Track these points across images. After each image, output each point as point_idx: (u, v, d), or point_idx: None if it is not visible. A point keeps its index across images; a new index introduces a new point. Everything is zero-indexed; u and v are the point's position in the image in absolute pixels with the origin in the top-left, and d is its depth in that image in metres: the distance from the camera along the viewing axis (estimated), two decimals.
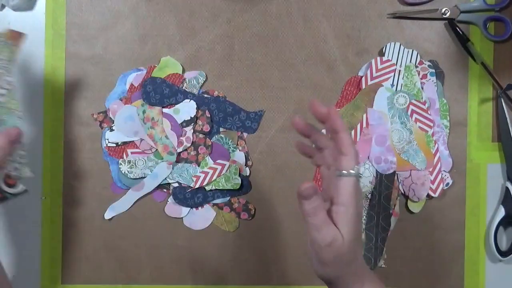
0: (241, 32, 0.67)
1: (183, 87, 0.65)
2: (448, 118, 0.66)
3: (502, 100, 0.66)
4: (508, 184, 0.66)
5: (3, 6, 0.66)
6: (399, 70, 0.66)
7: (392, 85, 0.66)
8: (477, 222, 0.67)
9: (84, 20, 0.66)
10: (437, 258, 0.67)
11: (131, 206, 0.66)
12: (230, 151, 0.65)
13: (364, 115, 0.66)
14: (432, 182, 0.66)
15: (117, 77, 0.66)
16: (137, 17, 0.66)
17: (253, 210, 0.66)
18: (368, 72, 0.66)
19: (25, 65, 0.66)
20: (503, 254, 0.66)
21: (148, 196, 0.66)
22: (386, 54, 0.66)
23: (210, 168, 0.65)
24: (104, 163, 0.66)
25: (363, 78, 0.66)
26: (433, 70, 0.66)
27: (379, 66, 0.66)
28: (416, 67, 0.66)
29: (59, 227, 0.66)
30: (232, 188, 0.65)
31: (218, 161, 0.65)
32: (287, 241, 0.66)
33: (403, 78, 0.66)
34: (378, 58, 0.66)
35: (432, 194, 0.66)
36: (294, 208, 0.66)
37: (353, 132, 0.66)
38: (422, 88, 0.66)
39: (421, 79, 0.66)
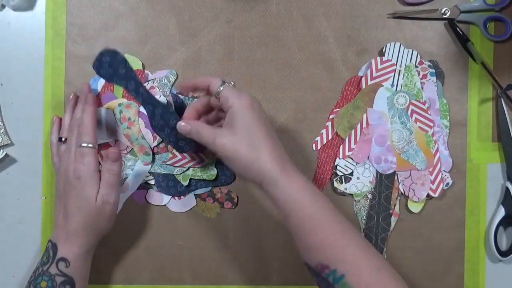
0: (241, 32, 0.67)
1: (155, 85, 0.65)
2: (448, 118, 0.66)
3: (502, 100, 0.66)
4: (508, 184, 0.66)
5: (3, 6, 0.66)
6: (399, 70, 0.66)
7: (392, 85, 0.66)
8: (477, 222, 0.67)
9: (84, 20, 0.66)
10: (437, 258, 0.67)
11: (120, 209, 0.66)
12: None
13: (364, 115, 0.66)
14: (432, 182, 0.66)
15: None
16: (137, 17, 0.66)
17: (236, 198, 0.66)
18: (368, 72, 0.66)
19: (25, 65, 0.66)
20: (503, 254, 0.66)
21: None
22: (386, 54, 0.66)
23: (187, 156, 0.65)
24: None
25: (363, 78, 0.66)
26: (433, 70, 0.66)
27: (379, 66, 0.66)
28: (416, 67, 0.66)
29: None
30: (208, 179, 0.65)
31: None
32: (287, 241, 0.66)
33: (403, 78, 0.66)
34: (378, 58, 0.66)
35: (432, 194, 0.66)
36: None
37: (353, 132, 0.66)
38: (422, 88, 0.66)
39: (421, 79, 0.66)
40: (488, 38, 0.66)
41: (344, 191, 0.66)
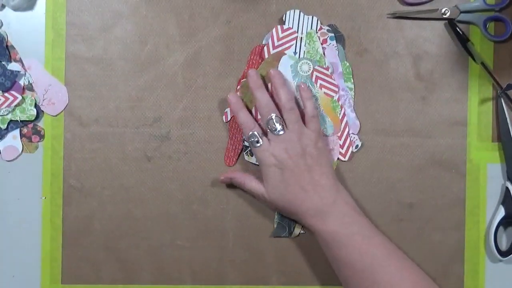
0: (241, 32, 0.67)
1: None
2: (352, 81, 0.66)
3: (502, 100, 0.66)
4: (508, 184, 0.66)
5: (3, 6, 0.66)
6: (301, 38, 0.66)
7: (295, 52, 0.66)
8: (477, 222, 0.67)
9: (84, 20, 0.66)
10: (437, 258, 0.67)
11: None
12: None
13: (269, 85, 0.66)
14: (342, 146, 0.66)
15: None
16: (137, 17, 0.66)
17: (43, 131, 0.65)
18: (270, 41, 0.66)
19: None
20: (503, 254, 0.66)
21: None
22: (286, 22, 0.66)
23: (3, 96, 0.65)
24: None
25: (265, 48, 0.66)
26: (332, 34, 0.66)
27: (280, 35, 0.66)
28: (316, 33, 0.66)
29: (59, 227, 0.66)
30: (28, 119, 0.65)
31: (12, 92, 0.65)
32: (287, 241, 0.66)
33: (305, 45, 0.66)
34: (279, 27, 0.66)
35: (342, 158, 0.66)
36: None
37: None
38: (324, 53, 0.66)
39: (321, 44, 0.66)
40: (488, 38, 0.66)
41: (256, 163, 0.66)
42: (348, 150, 0.66)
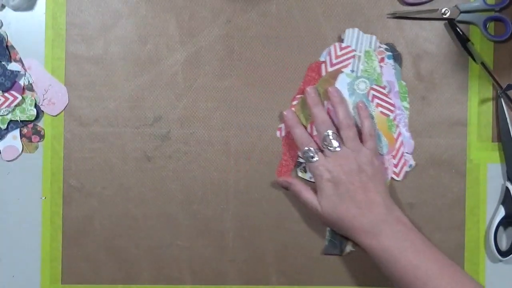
0: (241, 32, 0.67)
1: None
2: (408, 100, 0.66)
3: (502, 100, 0.66)
4: (508, 184, 0.66)
5: (3, 6, 0.66)
6: (359, 56, 0.66)
7: (352, 70, 0.66)
8: (477, 222, 0.67)
9: (84, 20, 0.66)
10: None
11: None
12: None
13: (326, 102, 0.66)
14: (396, 165, 0.66)
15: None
16: (137, 17, 0.66)
17: (43, 131, 0.66)
18: (328, 59, 0.66)
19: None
20: (503, 254, 0.66)
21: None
22: (345, 41, 0.66)
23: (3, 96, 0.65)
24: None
25: (323, 65, 0.66)
26: (390, 53, 0.66)
27: (338, 53, 0.66)
28: (374, 51, 0.66)
29: (59, 227, 0.66)
30: (28, 119, 0.65)
31: (12, 92, 0.65)
32: (287, 241, 0.66)
33: (362, 63, 0.66)
34: (337, 45, 0.66)
35: (396, 178, 0.66)
36: (295, 209, 0.66)
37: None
38: (381, 72, 0.66)
39: (379, 62, 0.66)
40: (488, 38, 0.66)
41: (310, 180, 0.66)
42: (402, 170, 0.66)
